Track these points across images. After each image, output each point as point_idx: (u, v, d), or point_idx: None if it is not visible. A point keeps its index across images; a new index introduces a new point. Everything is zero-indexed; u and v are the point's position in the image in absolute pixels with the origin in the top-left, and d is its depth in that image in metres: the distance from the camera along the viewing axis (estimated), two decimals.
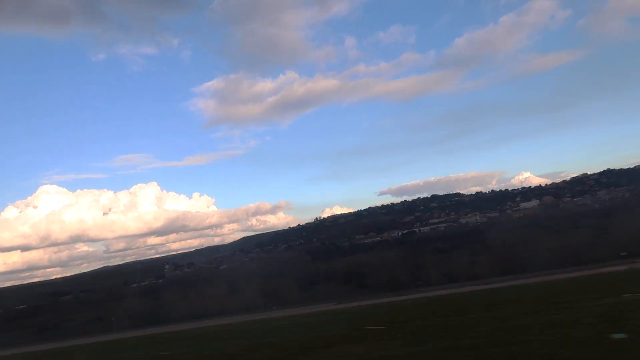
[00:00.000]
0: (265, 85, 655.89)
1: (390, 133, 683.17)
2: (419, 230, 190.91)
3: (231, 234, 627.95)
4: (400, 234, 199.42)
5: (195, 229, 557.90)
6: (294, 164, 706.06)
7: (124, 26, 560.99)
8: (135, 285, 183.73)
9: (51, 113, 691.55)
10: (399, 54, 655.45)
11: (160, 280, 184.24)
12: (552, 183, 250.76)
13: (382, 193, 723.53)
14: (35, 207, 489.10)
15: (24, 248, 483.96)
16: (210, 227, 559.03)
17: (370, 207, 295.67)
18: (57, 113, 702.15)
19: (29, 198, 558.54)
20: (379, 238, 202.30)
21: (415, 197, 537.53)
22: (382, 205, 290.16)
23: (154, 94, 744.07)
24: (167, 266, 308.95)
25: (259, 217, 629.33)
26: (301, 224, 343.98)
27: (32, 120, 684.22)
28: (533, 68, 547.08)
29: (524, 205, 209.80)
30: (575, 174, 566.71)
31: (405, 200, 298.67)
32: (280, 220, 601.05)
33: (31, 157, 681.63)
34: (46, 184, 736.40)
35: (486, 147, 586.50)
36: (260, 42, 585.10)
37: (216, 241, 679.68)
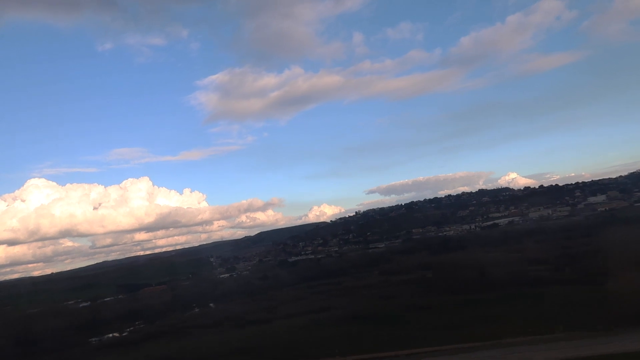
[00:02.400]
0: (270, 80, 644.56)
1: (385, 132, 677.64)
2: (494, 223, 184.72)
3: (220, 230, 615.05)
4: (476, 227, 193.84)
5: (186, 225, 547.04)
6: (289, 161, 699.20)
7: (134, 15, 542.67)
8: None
9: (47, 104, 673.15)
10: (406, 51, 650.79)
11: None
12: (609, 178, 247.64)
13: (370, 192, 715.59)
14: (23, 200, 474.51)
15: (11, 242, 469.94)
16: (202, 223, 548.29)
17: (413, 202, 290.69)
18: (53, 104, 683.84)
19: (17, 191, 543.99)
20: (450, 231, 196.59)
21: (403, 195, 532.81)
22: (426, 200, 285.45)
23: (157, 87, 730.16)
24: (212, 258, 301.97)
25: (249, 214, 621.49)
26: (332, 219, 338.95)
27: (25, 112, 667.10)
28: (534, 68, 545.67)
29: (592, 199, 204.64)
30: (560, 175, 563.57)
31: (449, 195, 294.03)
32: (269, 218, 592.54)
33: (21, 149, 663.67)
34: (36, 177, 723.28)
35: (476, 148, 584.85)
36: (270, 35, 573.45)
37: (203, 238, 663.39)
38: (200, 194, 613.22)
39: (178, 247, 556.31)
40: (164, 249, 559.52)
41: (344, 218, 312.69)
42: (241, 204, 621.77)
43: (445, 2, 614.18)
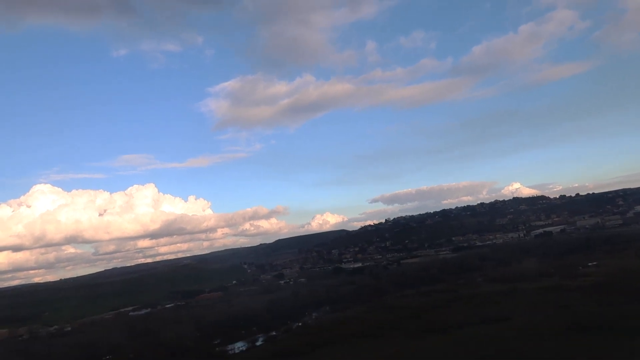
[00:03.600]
0: (281, 87, 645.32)
1: (392, 140, 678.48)
2: (545, 232, 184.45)
3: (223, 238, 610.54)
4: (525, 235, 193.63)
5: (190, 233, 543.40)
6: (296, 169, 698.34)
7: (150, 21, 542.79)
8: None
9: (57, 108, 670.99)
10: (417, 59, 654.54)
11: None
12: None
13: (374, 201, 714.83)
14: (29, 206, 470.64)
15: (16, 248, 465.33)
16: (206, 230, 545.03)
17: (448, 209, 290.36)
18: (63, 109, 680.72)
19: (23, 197, 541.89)
20: (495, 239, 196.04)
21: (406, 205, 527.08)
22: (466, 207, 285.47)
23: (169, 93, 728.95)
24: (245, 264, 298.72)
25: (252, 222, 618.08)
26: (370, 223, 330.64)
27: (34, 116, 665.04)
28: (544, 78, 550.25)
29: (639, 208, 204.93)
30: (563, 186, 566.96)
31: (482, 203, 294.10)
32: (272, 226, 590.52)
33: (28, 154, 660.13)
34: (42, 182, 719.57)
35: (481, 157, 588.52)
36: (284, 43, 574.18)
37: (205, 246, 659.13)
38: (205, 201, 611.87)
39: (180, 255, 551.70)
40: (165, 257, 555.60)
41: (375, 225, 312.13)
42: (246, 211, 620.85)
43: (459, 11, 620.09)
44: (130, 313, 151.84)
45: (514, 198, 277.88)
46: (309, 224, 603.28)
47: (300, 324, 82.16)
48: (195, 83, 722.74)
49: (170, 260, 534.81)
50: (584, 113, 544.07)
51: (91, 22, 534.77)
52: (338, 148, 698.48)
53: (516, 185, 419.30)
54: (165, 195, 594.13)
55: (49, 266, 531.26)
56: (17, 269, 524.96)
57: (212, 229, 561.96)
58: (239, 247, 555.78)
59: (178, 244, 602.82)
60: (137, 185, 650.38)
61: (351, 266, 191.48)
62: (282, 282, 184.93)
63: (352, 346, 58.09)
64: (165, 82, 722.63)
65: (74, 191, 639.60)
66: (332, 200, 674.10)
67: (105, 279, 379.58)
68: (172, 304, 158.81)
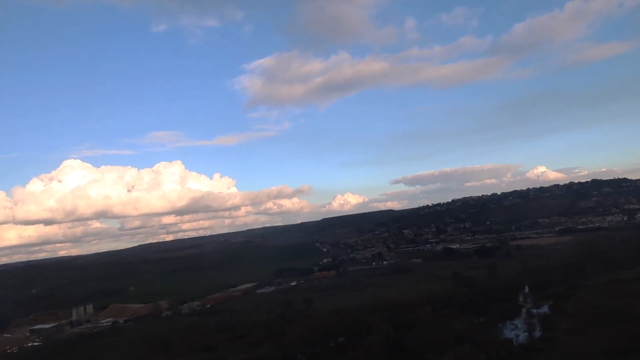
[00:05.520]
0: (316, 65, 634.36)
1: (422, 121, 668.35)
2: None
3: (245, 216, 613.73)
4: (629, 219, 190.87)
5: (215, 210, 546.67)
6: (322, 149, 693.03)
7: None
8: None
9: (91, 85, 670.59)
10: (457, 37, 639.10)
11: None
12: None
13: (395, 182, 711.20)
14: (60, 181, 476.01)
15: (47, 222, 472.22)
16: (231, 208, 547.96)
17: (526, 189, 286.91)
18: (96, 85, 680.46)
19: (53, 172, 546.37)
20: (597, 222, 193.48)
21: (428, 186, 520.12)
22: (540, 188, 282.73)
23: (204, 70, 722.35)
24: (318, 244, 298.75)
25: (275, 200, 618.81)
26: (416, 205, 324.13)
27: (68, 92, 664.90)
28: (585, 58, 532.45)
29: None
30: (589, 170, 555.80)
31: (557, 184, 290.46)
32: (294, 205, 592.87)
33: (61, 130, 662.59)
34: (73, 158, 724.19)
35: (509, 139, 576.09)
36: (324, 19, 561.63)
37: (226, 223, 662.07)
38: (230, 179, 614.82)
39: (202, 233, 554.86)
40: (187, 234, 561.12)
41: (441, 204, 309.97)
42: (271, 190, 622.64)
43: None
44: (258, 290, 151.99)
45: (592, 180, 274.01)
46: (330, 204, 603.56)
47: None
48: (231, 60, 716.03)
49: (206, 237, 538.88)
50: (629, 94, 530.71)
51: None
52: (367, 128, 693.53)
53: (541, 168, 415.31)
54: (192, 172, 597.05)
55: (75, 240, 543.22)
56: (45, 242, 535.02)
57: (236, 207, 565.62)
58: (277, 225, 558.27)
59: (200, 221, 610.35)
60: (164, 162, 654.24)
61: (456, 246, 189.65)
62: (385, 262, 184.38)
63: None
64: (201, 59, 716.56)
65: (103, 167, 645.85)
66: (354, 181, 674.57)
67: (164, 254, 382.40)
68: (295, 282, 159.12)
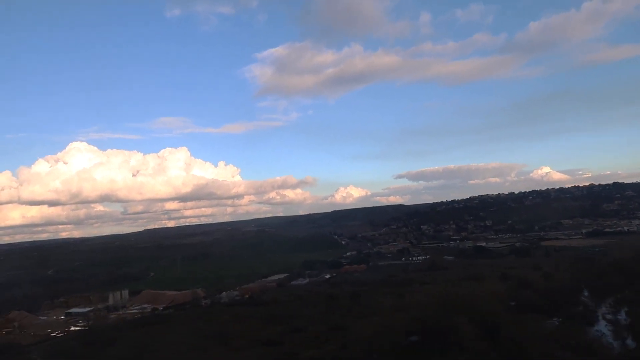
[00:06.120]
0: (327, 56, 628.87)
1: (430, 117, 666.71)
2: None
3: (248, 205, 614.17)
4: None
5: (219, 198, 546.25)
6: (328, 141, 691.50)
7: None
8: None
9: (101, 68, 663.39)
10: (471, 34, 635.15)
11: None
12: None
13: (399, 176, 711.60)
14: (65, 163, 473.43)
15: (52, 203, 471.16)
16: (235, 197, 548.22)
17: (547, 190, 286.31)
18: (106, 68, 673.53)
19: (59, 154, 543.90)
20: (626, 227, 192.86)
21: (431, 182, 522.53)
22: (560, 189, 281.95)
23: (215, 57, 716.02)
24: (336, 236, 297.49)
25: (279, 190, 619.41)
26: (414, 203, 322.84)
27: (77, 74, 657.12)
28: (598, 59, 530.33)
29: None
30: (593, 173, 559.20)
31: (577, 186, 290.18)
32: (297, 196, 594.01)
33: (69, 112, 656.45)
34: (79, 140, 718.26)
35: (514, 139, 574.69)
36: (339, 10, 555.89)
37: (228, 211, 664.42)
38: (234, 167, 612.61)
39: (203, 220, 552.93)
40: (188, 220, 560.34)
41: (458, 201, 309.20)
42: (276, 180, 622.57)
43: None
44: (292, 282, 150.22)
45: (614, 183, 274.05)
46: (333, 196, 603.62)
47: None
48: (243, 48, 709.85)
49: (210, 224, 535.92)
50: (637, 98, 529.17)
51: None
52: (374, 122, 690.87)
53: (546, 169, 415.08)
54: (197, 159, 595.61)
55: (77, 222, 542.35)
56: (48, 222, 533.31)
57: (240, 196, 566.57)
58: (279, 215, 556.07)
59: (202, 209, 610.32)
60: (170, 148, 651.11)
61: (484, 244, 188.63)
62: (413, 258, 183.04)
63: None
64: (213, 46, 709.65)
65: (108, 150, 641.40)
66: (357, 174, 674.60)
67: (175, 240, 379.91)
68: (328, 275, 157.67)
